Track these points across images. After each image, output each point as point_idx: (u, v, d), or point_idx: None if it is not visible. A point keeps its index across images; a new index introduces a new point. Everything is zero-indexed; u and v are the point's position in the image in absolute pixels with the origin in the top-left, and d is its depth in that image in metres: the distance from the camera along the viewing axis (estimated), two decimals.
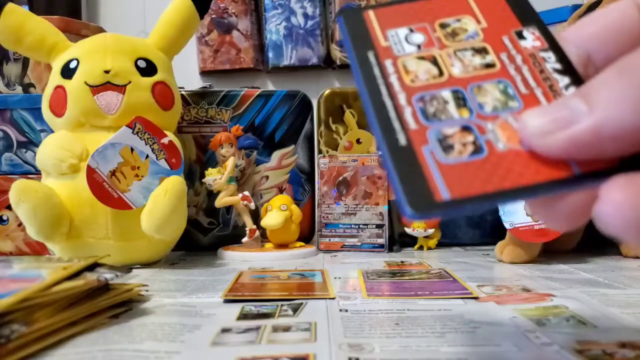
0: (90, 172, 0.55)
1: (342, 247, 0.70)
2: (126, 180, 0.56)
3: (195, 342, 0.31)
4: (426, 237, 0.70)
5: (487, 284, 0.46)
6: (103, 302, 0.36)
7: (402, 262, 0.60)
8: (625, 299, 0.40)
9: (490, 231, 0.72)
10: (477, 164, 0.17)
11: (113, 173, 0.56)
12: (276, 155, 0.74)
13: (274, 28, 0.95)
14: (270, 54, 0.96)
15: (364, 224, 0.70)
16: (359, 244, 0.70)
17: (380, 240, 0.69)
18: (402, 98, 0.20)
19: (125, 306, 0.38)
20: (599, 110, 0.16)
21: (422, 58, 0.21)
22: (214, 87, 0.77)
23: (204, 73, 1.00)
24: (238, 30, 0.96)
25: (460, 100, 0.19)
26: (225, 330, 0.33)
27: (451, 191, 0.17)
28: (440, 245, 0.72)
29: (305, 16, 0.95)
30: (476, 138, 0.18)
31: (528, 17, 0.21)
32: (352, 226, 0.70)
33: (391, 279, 0.49)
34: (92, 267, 0.37)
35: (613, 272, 0.51)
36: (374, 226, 0.69)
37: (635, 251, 0.60)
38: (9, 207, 0.63)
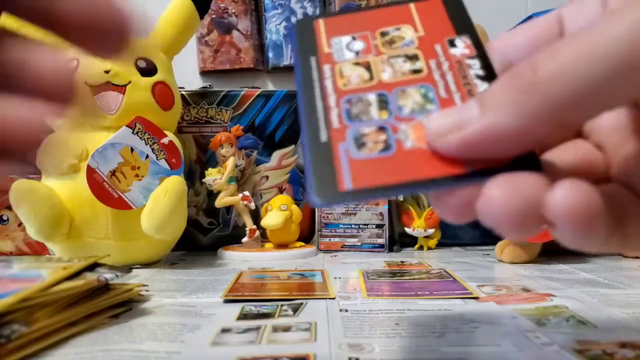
0: (90, 172, 0.55)
1: (342, 247, 0.70)
2: (126, 180, 0.56)
3: (195, 342, 0.31)
4: (426, 237, 0.70)
5: (487, 284, 0.46)
6: (103, 302, 0.36)
7: (402, 262, 0.60)
8: (625, 298, 0.40)
9: (490, 231, 0.72)
10: (383, 160, 0.19)
11: (113, 173, 0.56)
12: (276, 155, 0.74)
13: (274, 28, 0.95)
14: (270, 54, 0.96)
15: (364, 224, 0.70)
16: (359, 244, 0.70)
17: (380, 240, 0.69)
18: (332, 100, 0.21)
19: (125, 306, 0.38)
20: (488, 113, 0.17)
21: (357, 64, 0.22)
22: (214, 87, 0.77)
23: (204, 73, 0.99)
24: (238, 30, 0.96)
25: (383, 103, 0.21)
26: (225, 330, 0.33)
27: (354, 182, 0.18)
28: (440, 245, 0.72)
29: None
30: (388, 137, 0.19)
31: (463, 26, 0.23)
32: (352, 226, 0.70)
33: (391, 279, 0.49)
34: (92, 267, 0.37)
35: (613, 272, 0.51)
36: (374, 226, 0.69)
37: (635, 252, 0.60)
38: (9, 207, 0.63)
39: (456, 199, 0.18)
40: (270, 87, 1.01)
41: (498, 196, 0.16)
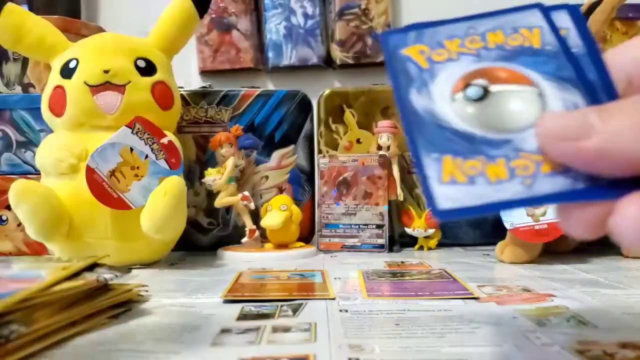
0: (90, 172, 0.55)
1: (342, 247, 0.70)
2: (125, 180, 0.56)
3: (194, 343, 0.31)
4: (426, 237, 0.70)
5: (487, 284, 0.46)
6: (103, 303, 0.36)
7: (402, 262, 0.60)
8: (625, 299, 0.40)
9: (490, 231, 0.72)
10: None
11: (112, 173, 0.56)
12: (276, 155, 0.74)
13: (274, 28, 0.95)
14: (270, 54, 0.96)
15: (364, 224, 0.69)
16: (359, 244, 0.70)
17: (381, 241, 0.69)
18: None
19: (125, 306, 0.38)
20: (609, 131, 0.17)
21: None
22: (214, 86, 0.76)
23: (204, 73, 0.99)
24: (238, 30, 0.96)
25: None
26: (225, 331, 0.33)
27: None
28: (440, 245, 0.72)
29: (305, 16, 0.95)
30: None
31: None
32: (352, 226, 0.70)
33: (391, 280, 0.49)
34: (91, 267, 0.37)
35: (613, 273, 0.51)
36: (374, 226, 0.69)
37: (635, 252, 0.59)
38: (8, 207, 0.63)
39: (587, 214, 0.18)
40: (270, 87, 1.01)
41: (634, 214, 0.16)
